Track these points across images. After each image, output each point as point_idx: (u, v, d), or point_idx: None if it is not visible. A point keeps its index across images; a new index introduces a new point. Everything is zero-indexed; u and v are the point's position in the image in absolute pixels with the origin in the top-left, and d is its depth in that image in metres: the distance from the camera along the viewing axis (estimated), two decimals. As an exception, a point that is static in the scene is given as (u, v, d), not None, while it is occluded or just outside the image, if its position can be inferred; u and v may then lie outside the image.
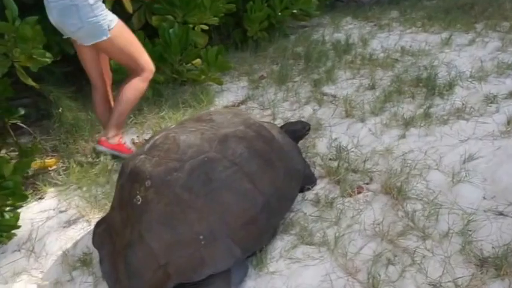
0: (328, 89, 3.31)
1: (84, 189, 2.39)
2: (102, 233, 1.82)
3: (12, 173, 2.05)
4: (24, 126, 2.90)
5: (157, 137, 1.81)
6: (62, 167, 2.66)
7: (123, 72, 2.95)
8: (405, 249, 1.76)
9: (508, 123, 2.47)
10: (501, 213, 1.88)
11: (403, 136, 2.53)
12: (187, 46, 3.35)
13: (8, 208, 2.10)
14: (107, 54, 2.54)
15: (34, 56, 2.40)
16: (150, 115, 3.14)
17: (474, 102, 2.77)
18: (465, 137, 2.43)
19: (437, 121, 2.62)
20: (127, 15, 3.13)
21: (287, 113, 3.03)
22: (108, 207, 2.06)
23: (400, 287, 1.61)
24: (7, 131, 2.78)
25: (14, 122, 2.81)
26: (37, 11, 2.41)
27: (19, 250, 2.05)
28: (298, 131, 2.36)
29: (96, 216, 2.16)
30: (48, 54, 2.43)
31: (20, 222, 2.06)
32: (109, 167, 2.52)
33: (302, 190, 2.15)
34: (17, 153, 2.75)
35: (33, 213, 2.27)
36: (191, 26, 3.41)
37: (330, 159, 2.41)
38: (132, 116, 3.06)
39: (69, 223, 2.19)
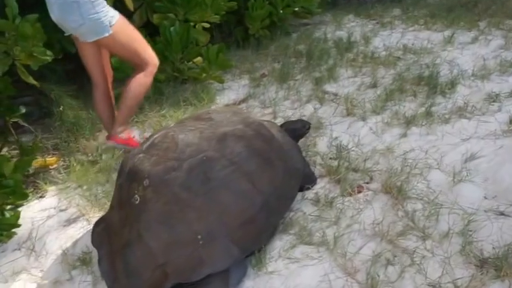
0: (329, 87, 3.29)
1: (85, 187, 2.39)
2: (101, 232, 1.82)
3: (12, 172, 2.05)
4: (26, 125, 2.90)
5: (156, 136, 1.81)
6: (63, 165, 2.66)
7: (124, 71, 2.96)
8: (405, 250, 1.75)
9: (510, 122, 2.45)
10: (502, 213, 1.87)
11: (404, 135, 2.51)
12: (188, 44, 3.34)
13: (8, 207, 2.10)
14: (109, 50, 2.54)
15: (34, 54, 2.39)
16: (151, 113, 3.14)
17: (476, 101, 2.75)
18: (467, 136, 2.42)
19: (439, 120, 2.61)
20: (128, 13, 3.12)
21: (288, 111, 3.02)
22: (108, 206, 2.05)
23: (399, 288, 1.60)
24: (8, 129, 2.78)
25: (16, 120, 2.80)
26: (38, 8, 2.41)
27: (19, 249, 2.05)
28: (298, 129, 2.35)
29: (96, 215, 2.16)
30: (48, 52, 2.43)
31: (20, 221, 2.06)
32: (109, 166, 2.53)
33: (302, 189, 2.14)
34: (18, 151, 2.75)
35: (34, 211, 2.28)
36: (192, 24, 3.41)
37: (331, 158, 2.40)
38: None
39: (69, 222, 2.19)
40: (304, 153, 2.38)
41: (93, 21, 2.24)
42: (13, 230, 2.07)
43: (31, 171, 2.58)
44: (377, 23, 4.79)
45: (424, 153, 2.32)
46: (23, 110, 2.79)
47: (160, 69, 2.64)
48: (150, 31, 3.25)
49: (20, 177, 2.14)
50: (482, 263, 1.64)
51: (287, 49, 4.10)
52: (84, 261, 1.89)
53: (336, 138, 2.56)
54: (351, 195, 2.10)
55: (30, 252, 2.02)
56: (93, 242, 1.84)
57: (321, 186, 2.20)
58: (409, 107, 2.81)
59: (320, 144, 2.55)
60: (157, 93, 3.30)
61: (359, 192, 2.12)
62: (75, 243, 2.03)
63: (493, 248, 1.69)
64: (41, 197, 2.41)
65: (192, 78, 3.52)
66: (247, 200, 1.70)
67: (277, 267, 1.74)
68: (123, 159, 1.91)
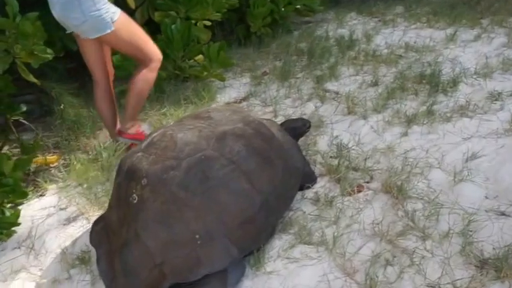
0: (330, 85, 3.28)
1: (85, 186, 2.39)
2: (100, 231, 1.82)
3: (12, 170, 2.06)
4: (27, 123, 2.90)
5: (154, 135, 1.80)
6: (63, 163, 2.66)
7: (125, 69, 2.96)
8: (404, 250, 1.74)
9: (513, 121, 2.44)
10: (503, 214, 1.85)
11: (405, 134, 2.50)
12: (189, 42, 3.33)
13: (8, 205, 2.11)
14: (112, 46, 2.53)
15: (35, 52, 2.40)
16: (152, 112, 3.13)
17: (478, 100, 2.73)
18: (468, 135, 2.40)
19: (440, 118, 2.59)
20: (130, 11, 3.11)
21: (289, 110, 3.01)
22: (107, 205, 2.05)
23: (398, 288, 1.59)
24: (9, 127, 2.78)
25: (16, 118, 2.81)
26: (38, 7, 2.41)
27: (19, 247, 2.05)
28: (298, 128, 2.34)
29: (95, 214, 2.16)
30: (49, 50, 2.43)
31: (20, 220, 2.06)
32: (110, 164, 2.52)
33: (302, 188, 2.13)
34: (19, 149, 2.76)
35: (34, 210, 2.28)
36: (194, 21, 3.40)
37: (331, 157, 2.39)
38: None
39: (69, 220, 2.19)
40: (304, 152, 2.37)
41: (94, 18, 2.23)
42: (13, 228, 2.07)
43: (31, 169, 2.59)
44: (379, 20, 4.76)
45: (425, 152, 2.30)
46: (24, 108, 2.80)
47: (162, 67, 2.64)
48: (151, 29, 3.23)
49: (20, 176, 2.15)
50: (483, 263, 1.63)
51: (288, 47, 4.08)
52: (83, 260, 1.89)
53: (337, 136, 2.55)
54: (350, 194, 2.09)
55: (30, 251, 2.01)
56: (91, 241, 1.84)
57: (321, 186, 2.19)
58: (410, 105, 2.79)
59: (320, 143, 2.54)
60: (158, 91, 3.30)
61: (359, 191, 2.11)
62: (74, 242, 2.03)
63: (494, 248, 1.67)
64: (41, 195, 2.41)
65: (193, 76, 3.51)
66: (246, 200, 1.69)
67: (276, 267, 1.73)
68: (121, 158, 1.91)
